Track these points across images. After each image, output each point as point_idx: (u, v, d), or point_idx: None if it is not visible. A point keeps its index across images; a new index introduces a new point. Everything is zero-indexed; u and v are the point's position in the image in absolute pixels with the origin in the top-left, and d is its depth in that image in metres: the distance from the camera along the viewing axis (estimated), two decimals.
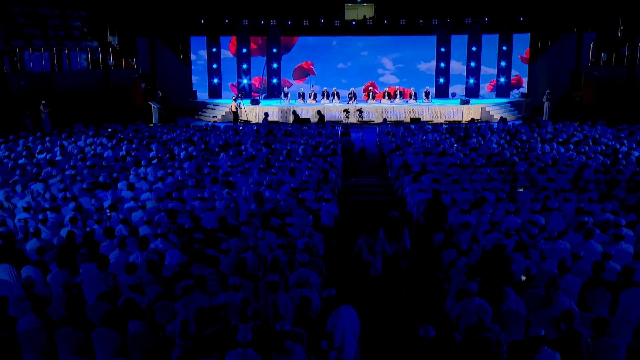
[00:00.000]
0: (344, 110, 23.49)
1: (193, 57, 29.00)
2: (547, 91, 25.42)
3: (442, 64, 28.58)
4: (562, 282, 6.89)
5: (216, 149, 15.98)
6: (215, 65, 28.81)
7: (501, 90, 28.73)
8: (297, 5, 27.61)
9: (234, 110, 24.09)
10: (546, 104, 25.11)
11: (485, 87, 28.90)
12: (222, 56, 28.85)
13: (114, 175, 13.05)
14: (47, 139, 17.74)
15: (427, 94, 26.40)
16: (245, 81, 28.68)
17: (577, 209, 9.87)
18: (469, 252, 8.28)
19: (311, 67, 28.90)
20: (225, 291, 7.10)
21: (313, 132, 19.09)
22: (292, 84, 28.70)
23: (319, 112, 23.47)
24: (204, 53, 28.88)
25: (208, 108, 27.51)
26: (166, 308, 6.79)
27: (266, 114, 22.96)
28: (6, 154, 15.55)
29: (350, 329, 6.34)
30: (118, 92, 24.70)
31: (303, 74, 29.00)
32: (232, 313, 6.49)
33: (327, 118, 24.63)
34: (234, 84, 28.90)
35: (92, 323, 6.44)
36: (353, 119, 23.70)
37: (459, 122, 23.92)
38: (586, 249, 8.22)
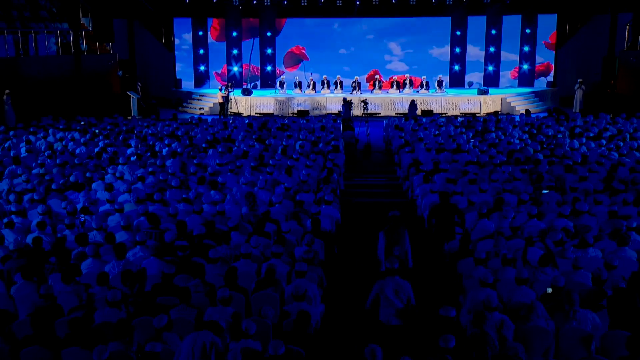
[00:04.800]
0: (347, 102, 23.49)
1: (177, 41, 28.97)
2: (579, 80, 25.39)
3: (458, 49, 28.56)
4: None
5: (203, 145, 15.97)
6: (201, 51, 28.78)
7: (524, 79, 28.72)
8: None
9: (221, 101, 24.10)
10: (578, 94, 25.08)
11: (506, 75, 28.90)
12: (209, 40, 28.85)
13: (88, 174, 13.03)
14: (11, 133, 17.71)
15: (440, 83, 26.38)
16: (235, 69, 28.67)
17: (611, 213, 9.86)
18: (487, 260, 8.27)
19: (303, 51, 28.86)
20: (214, 305, 7.10)
21: (312, 126, 19.09)
22: (283, 72, 28.68)
23: None
24: (189, 37, 28.86)
25: (194, 99, 27.50)
26: (146, 324, 6.78)
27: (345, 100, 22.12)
28: None
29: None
30: (92, 81, 24.67)
31: (294, 60, 28.96)
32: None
33: (326, 111, 24.67)
34: (219, 72, 28.88)
35: (62, 341, 6.43)
36: (357, 111, 23.71)
37: (476, 114, 23.91)
38: (620, 257, 8.22)
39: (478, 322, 6.57)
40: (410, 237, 9.30)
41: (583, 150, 14.84)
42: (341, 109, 21.79)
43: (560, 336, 6.63)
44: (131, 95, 24.87)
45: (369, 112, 23.63)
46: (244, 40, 28.65)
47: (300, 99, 25.50)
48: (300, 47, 28.84)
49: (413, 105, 22.70)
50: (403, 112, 24.26)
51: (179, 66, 28.95)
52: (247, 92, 25.99)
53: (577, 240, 8.82)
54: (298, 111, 24.77)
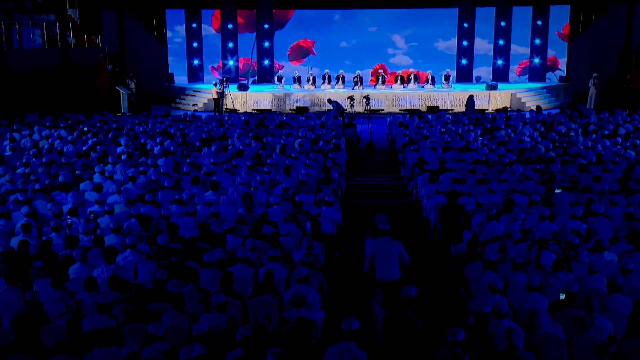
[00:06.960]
0: (349, 97, 23.51)
1: (169, 33, 28.98)
2: (594, 74, 25.39)
3: (465, 42, 28.56)
4: (609, 301, 6.90)
5: (197, 143, 15.98)
6: (195, 44, 28.77)
7: (535, 73, 28.72)
8: None
9: (215, 97, 24.11)
10: (592, 89, 25.09)
11: (514, 70, 28.91)
12: (203, 33, 28.84)
13: (76, 173, 13.03)
14: None
15: (446, 78, 26.39)
16: (231, 63, 28.67)
17: (626, 214, 9.87)
18: (496, 265, 8.27)
19: (310, 45, 28.88)
20: (208, 312, 7.09)
21: (312, 123, 19.10)
22: (283, 66, 28.66)
23: None
24: (182, 29, 28.84)
25: (187, 94, 27.50)
26: (138, 332, 6.78)
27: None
28: None
29: None
30: (80, 75, 24.66)
31: (301, 53, 28.97)
32: (216, 338, 6.49)
33: (326, 107, 24.64)
34: (215, 66, 28.88)
35: (49, 350, 6.43)
36: (359, 107, 23.71)
37: (485, 110, 23.92)
38: (636, 261, 8.22)
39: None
40: (412, 239, 9.33)
41: (597, 149, 14.84)
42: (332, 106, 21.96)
43: (574, 344, 6.63)
44: (121, 91, 24.87)
45: (371, 108, 23.62)
46: (240, 33, 28.64)
47: (299, 95, 25.49)
48: (309, 40, 28.80)
49: (471, 100, 22.29)
50: (407, 108, 24.28)
51: (171, 60, 28.92)
52: (243, 88, 25.99)
53: (591, 243, 8.83)
54: (297, 107, 24.77)
